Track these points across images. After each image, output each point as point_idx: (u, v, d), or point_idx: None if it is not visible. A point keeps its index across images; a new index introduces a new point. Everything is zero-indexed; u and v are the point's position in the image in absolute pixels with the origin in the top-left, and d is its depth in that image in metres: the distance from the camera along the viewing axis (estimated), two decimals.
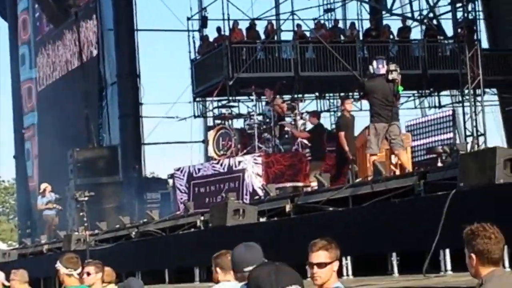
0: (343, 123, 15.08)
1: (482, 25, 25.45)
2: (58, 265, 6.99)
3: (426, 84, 24.68)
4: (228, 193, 15.31)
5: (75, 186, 23.75)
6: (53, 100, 31.71)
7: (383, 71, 12.61)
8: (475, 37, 21.02)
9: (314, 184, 14.47)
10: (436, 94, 26.62)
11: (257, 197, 16.42)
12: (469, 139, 19.38)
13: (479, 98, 20.19)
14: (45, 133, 32.35)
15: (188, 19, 26.06)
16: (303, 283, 3.74)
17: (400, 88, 12.50)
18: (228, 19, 24.16)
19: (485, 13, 27.24)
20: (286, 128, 19.11)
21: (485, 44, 25.77)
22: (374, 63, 12.93)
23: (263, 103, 22.38)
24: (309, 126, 18.74)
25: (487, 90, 24.13)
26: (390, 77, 12.38)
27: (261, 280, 3.73)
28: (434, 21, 24.27)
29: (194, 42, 25.34)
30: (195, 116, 26.06)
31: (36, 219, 29.64)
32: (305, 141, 18.69)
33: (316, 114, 18.41)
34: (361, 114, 27.22)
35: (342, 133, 14.73)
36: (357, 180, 12.79)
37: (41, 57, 34.63)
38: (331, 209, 11.95)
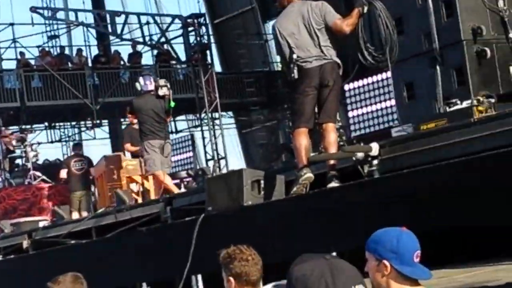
0: (127, 134, 14.43)
1: (214, 49, 26.01)
2: None
3: None
4: None
5: None
6: None
7: (151, 87, 12.21)
8: (208, 61, 21.37)
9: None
10: (172, 119, 26.69)
11: None
12: (210, 163, 19.61)
13: (217, 122, 20.51)
14: None
15: None
16: (364, 281, 3.02)
17: (172, 103, 12.12)
18: None
19: (216, 37, 27.85)
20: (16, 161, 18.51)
21: (218, 68, 26.40)
22: (141, 79, 12.49)
23: None
24: (41, 157, 18.16)
25: (223, 113, 24.63)
26: (160, 93, 12.00)
27: (312, 283, 2.90)
28: (166, 46, 24.42)
29: None
30: None
31: None
32: (38, 173, 18.10)
33: (77, 146, 17.81)
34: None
35: (127, 144, 14.04)
36: (100, 210, 12.40)
37: None
38: (73, 242, 11.44)
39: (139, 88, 12.46)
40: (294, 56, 8.06)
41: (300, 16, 8.13)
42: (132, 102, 12.61)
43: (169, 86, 12.15)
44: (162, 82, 12.25)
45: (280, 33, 8.19)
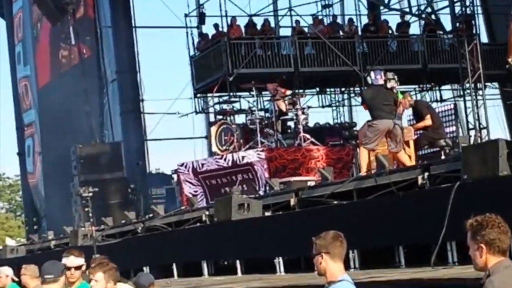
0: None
1: (481, 20, 25.64)
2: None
3: (426, 79, 24.81)
4: (243, 184, 15.47)
5: (79, 182, 23.84)
6: (54, 98, 31.75)
7: (381, 81, 13.34)
8: (474, 32, 21.18)
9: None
10: (437, 88, 26.70)
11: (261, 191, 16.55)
12: (472, 132, 19.47)
13: (480, 92, 20.29)
14: (47, 130, 32.47)
15: (186, 15, 26.11)
16: None
17: (400, 95, 13.63)
18: (226, 16, 24.24)
19: (483, 8, 27.42)
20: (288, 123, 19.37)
21: (484, 38, 25.97)
22: (372, 74, 13.70)
23: (264, 98, 22.57)
24: (311, 121, 18.81)
25: (488, 84, 24.26)
26: (388, 85, 13.25)
27: None
28: (433, 16, 24.44)
29: (192, 39, 25.44)
30: (196, 112, 26.14)
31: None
32: (308, 136, 18.88)
33: None
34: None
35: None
36: (361, 174, 12.91)
37: (39, 55, 34.71)
38: (335, 202, 11.98)
39: (369, 81, 13.58)
40: None
41: None
42: (363, 92, 14.06)
43: (396, 79, 13.20)
44: (390, 75, 13.31)
45: None
